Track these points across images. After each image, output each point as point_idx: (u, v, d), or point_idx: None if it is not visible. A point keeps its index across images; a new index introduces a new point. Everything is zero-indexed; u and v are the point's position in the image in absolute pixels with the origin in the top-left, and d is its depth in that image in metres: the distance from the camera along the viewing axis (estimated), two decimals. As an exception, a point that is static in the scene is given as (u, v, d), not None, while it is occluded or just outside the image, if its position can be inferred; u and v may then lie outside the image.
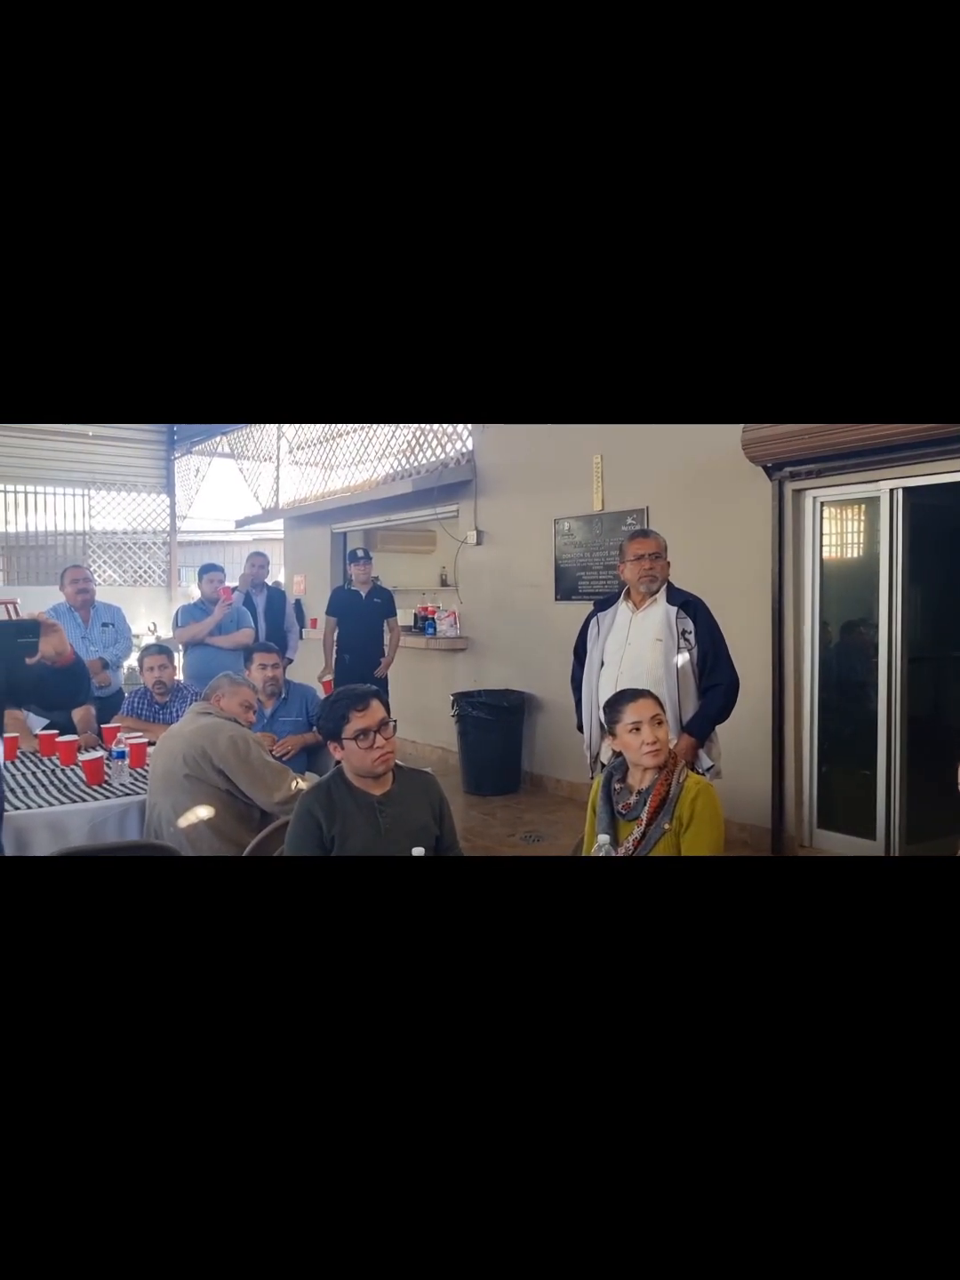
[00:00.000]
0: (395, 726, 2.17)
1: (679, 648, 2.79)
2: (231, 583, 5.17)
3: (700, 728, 2.79)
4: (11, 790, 2.81)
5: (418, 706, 6.18)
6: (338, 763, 2.17)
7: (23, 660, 1.78)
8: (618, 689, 2.44)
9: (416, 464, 6.62)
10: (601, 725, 2.79)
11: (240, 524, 9.63)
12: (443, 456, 6.36)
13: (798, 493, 3.99)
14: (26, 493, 10.91)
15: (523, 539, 5.53)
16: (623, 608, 2.92)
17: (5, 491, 10.83)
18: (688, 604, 2.83)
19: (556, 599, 5.29)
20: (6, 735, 2.17)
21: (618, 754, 2.28)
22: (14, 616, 1.97)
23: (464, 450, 6.09)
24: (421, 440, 6.58)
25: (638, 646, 2.84)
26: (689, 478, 4.42)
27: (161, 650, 3.85)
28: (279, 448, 8.84)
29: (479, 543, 5.89)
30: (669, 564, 2.90)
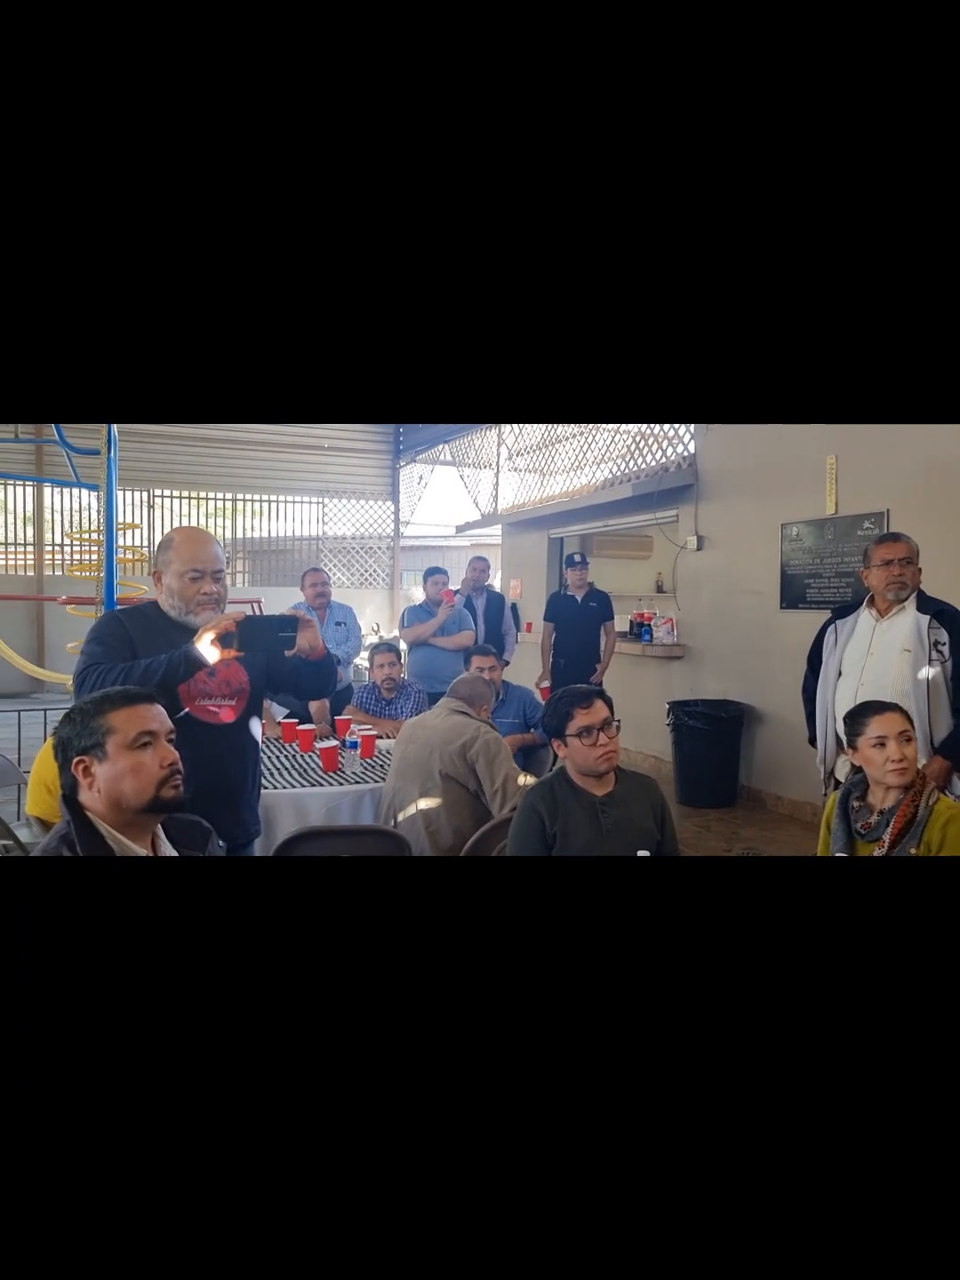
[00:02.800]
0: (619, 726, 2.16)
1: (930, 660, 2.57)
2: (454, 586, 5.35)
3: (954, 749, 2.56)
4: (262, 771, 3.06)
5: (632, 713, 6.09)
6: (556, 759, 2.19)
7: (282, 653, 1.93)
8: (857, 701, 2.29)
9: (636, 468, 6.56)
10: (838, 739, 2.63)
11: (460, 529, 9.96)
12: (663, 460, 6.26)
13: None
14: (267, 501, 11.88)
15: (746, 544, 5.32)
16: (865, 615, 2.73)
17: (249, 500, 11.86)
18: (943, 613, 2.60)
19: (782, 607, 5.05)
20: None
21: (857, 770, 2.14)
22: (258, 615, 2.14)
23: (686, 453, 5.96)
24: (641, 445, 6.51)
25: (881, 657, 2.65)
26: (933, 479, 4.07)
27: (391, 649, 4.05)
28: (498, 455, 9.07)
29: (699, 548, 5.74)
30: (920, 570, 2.68)
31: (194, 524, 11.37)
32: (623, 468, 6.76)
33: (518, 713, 3.79)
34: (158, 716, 1.42)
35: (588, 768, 2.11)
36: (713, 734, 5.14)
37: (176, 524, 11.50)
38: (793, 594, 4.99)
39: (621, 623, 6.10)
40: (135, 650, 1.88)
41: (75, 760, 1.36)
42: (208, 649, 1.79)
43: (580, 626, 5.32)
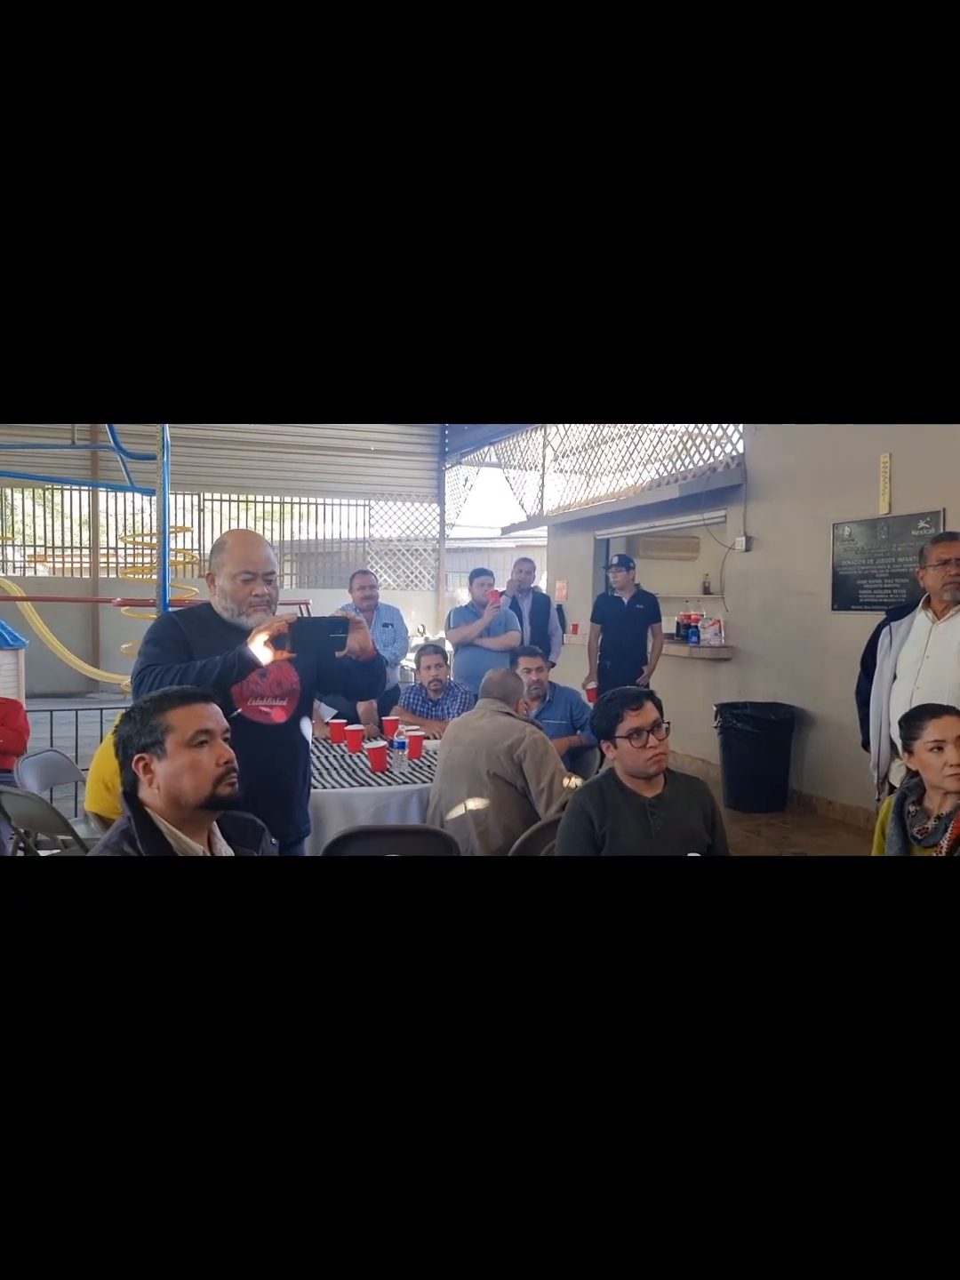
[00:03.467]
0: (669, 729, 2.15)
1: (989, 662, 2.51)
2: (499, 588, 5.36)
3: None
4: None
5: (679, 715, 6.01)
6: (602, 761, 2.19)
7: (333, 654, 1.96)
8: (913, 704, 2.25)
9: (683, 469, 6.50)
10: (892, 743, 2.58)
11: (505, 531, 9.98)
12: (711, 460, 6.20)
13: None
14: (315, 504, 12.02)
15: (796, 544, 5.25)
16: (921, 617, 2.68)
17: (297, 503, 12.01)
18: None
19: (834, 609, 4.97)
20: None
21: (914, 774, 2.10)
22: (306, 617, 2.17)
23: (734, 453, 5.90)
24: (689, 445, 6.46)
25: (938, 660, 2.59)
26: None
27: (437, 650, 4.07)
28: (544, 456, 9.06)
29: (748, 548, 5.67)
30: (979, 570, 2.62)
31: (244, 527, 11.54)
32: (670, 468, 6.71)
33: (564, 714, 3.79)
34: (214, 715, 1.45)
35: (637, 770, 2.10)
36: (762, 737, 5.07)
37: (226, 527, 11.69)
38: (845, 595, 4.91)
39: (668, 624, 6.05)
40: (190, 651, 1.92)
41: (136, 757, 1.39)
42: (261, 650, 1.82)
43: (627, 628, 5.29)
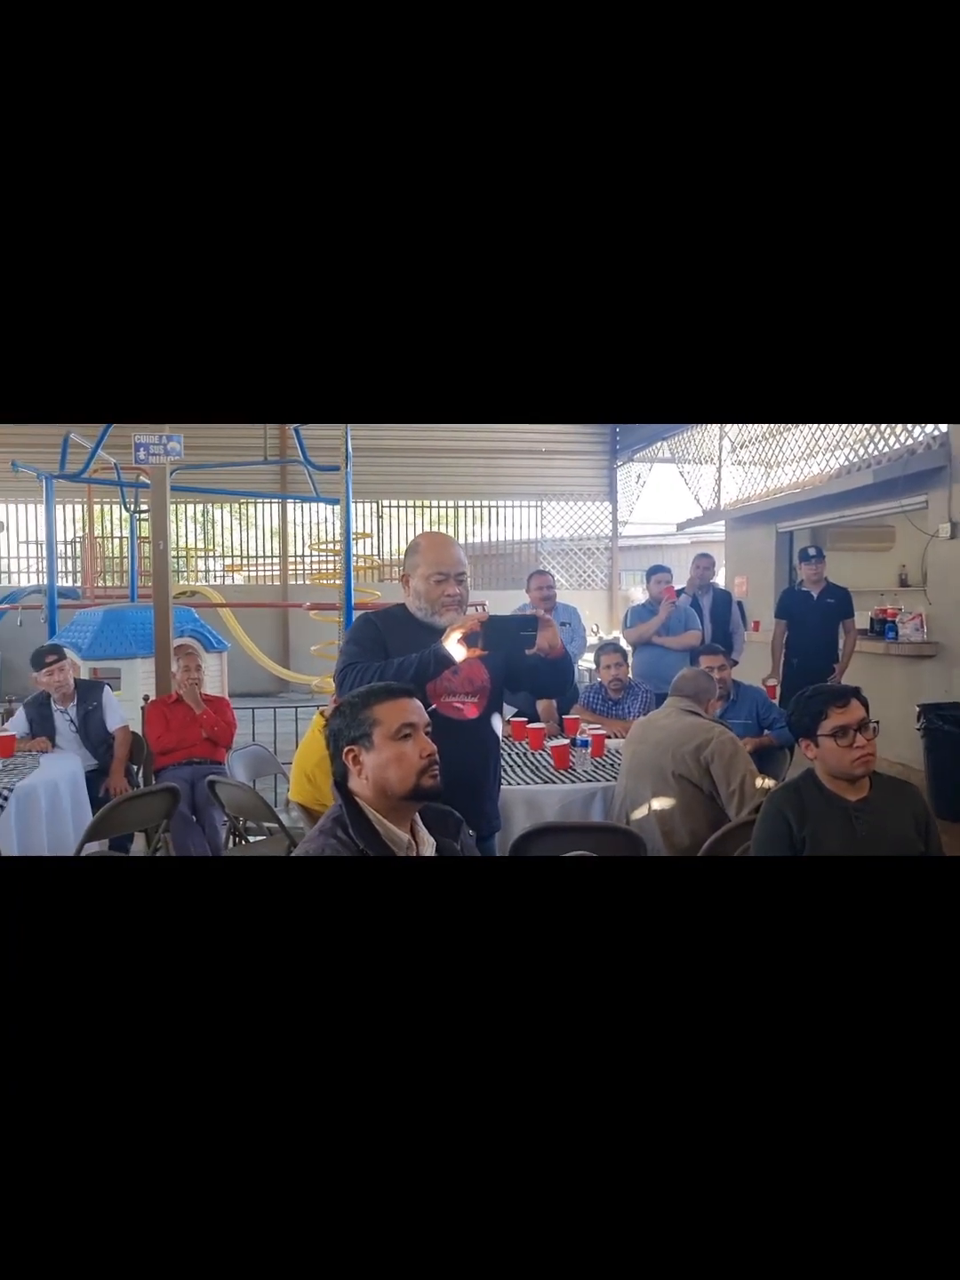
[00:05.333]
0: (878, 729, 2.02)
1: None
2: (679, 584, 5.25)
3: None
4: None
5: (874, 716, 5.69)
6: (790, 761, 2.09)
7: (523, 651, 1.98)
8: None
9: (876, 453, 6.11)
10: None
11: (681, 527, 9.75)
12: (909, 442, 5.79)
13: None
14: (487, 507, 12.22)
15: (1010, 530, 4.81)
16: None
17: (470, 506, 12.26)
18: None
19: (1055, 599, 4.52)
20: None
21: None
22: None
23: (936, 433, 5.48)
24: (881, 427, 6.07)
25: None
26: None
27: (617, 649, 4.04)
28: (721, 448, 8.78)
29: (954, 536, 5.26)
30: None
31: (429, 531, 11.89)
32: (861, 453, 6.32)
33: (750, 713, 3.65)
34: (417, 710, 1.50)
35: (842, 771, 1.99)
36: (972, 740, 4.69)
37: (403, 533, 12.11)
38: None
39: (861, 619, 5.71)
40: (387, 649, 2.00)
41: (346, 749, 1.46)
42: (455, 647, 1.87)
43: (816, 624, 5.03)
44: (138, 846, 3.44)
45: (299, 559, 11.86)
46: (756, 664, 5.53)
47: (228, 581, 11.66)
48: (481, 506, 12.26)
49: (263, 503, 11.62)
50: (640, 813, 2.74)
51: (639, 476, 11.59)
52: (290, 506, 11.62)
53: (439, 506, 12.22)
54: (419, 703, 1.53)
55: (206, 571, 11.95)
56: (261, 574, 11.94)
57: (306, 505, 11.37)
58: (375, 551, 11.88)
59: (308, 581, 11.33)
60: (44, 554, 7.90)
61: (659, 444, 10.49)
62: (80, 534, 11.07)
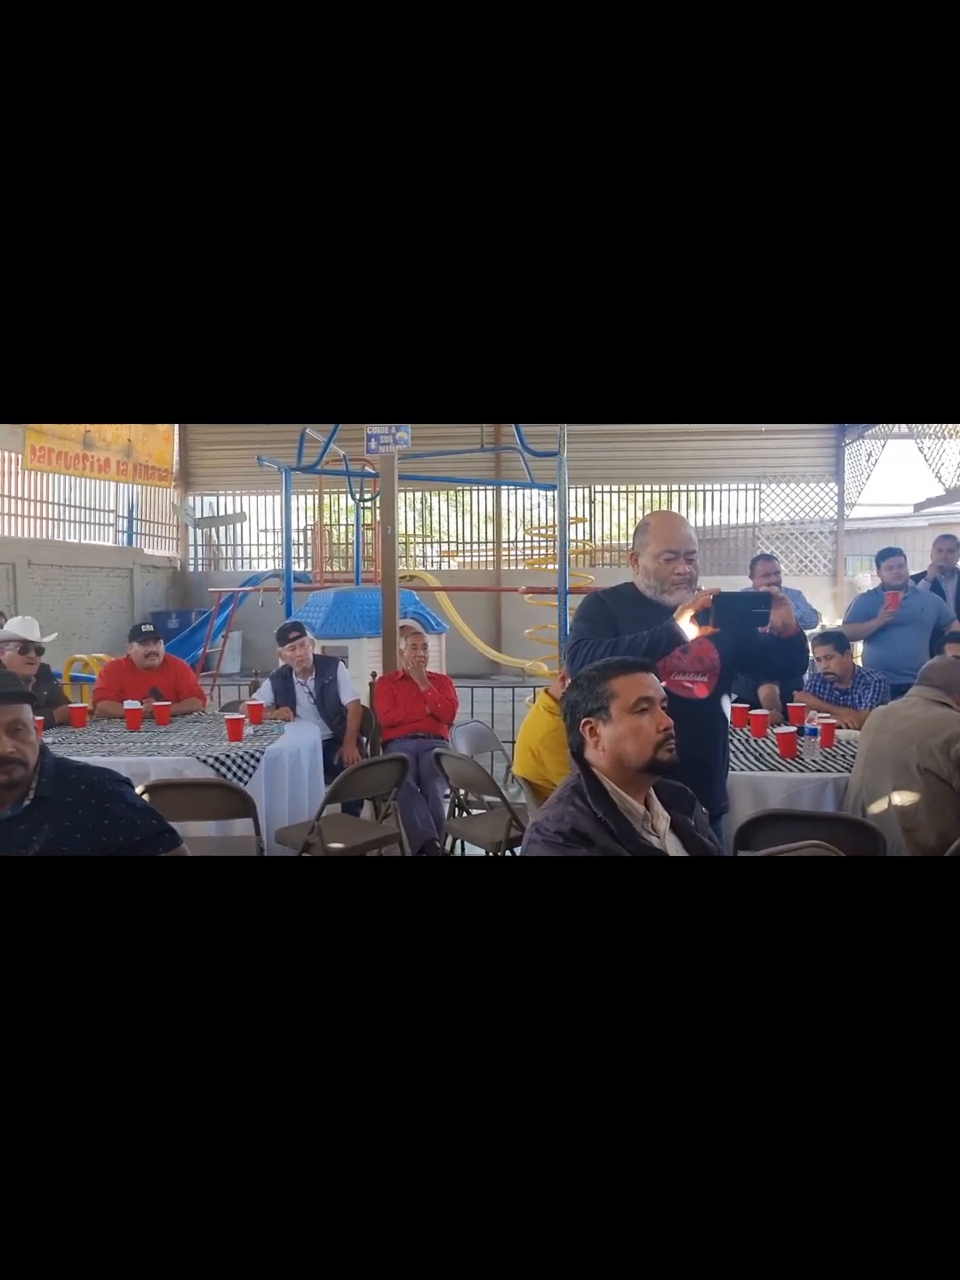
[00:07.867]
0: None
1: None
2: (916, 569, 4.89)
3: None
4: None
5: None
6: None
7: (755, 630, 1.93)
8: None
9: None
10: None
11: (919, 507, 9.03)
12: None
13: None
14: (701, 491, 11.89)
15: None
16: None
17: (684, 491, 11.97)
18: None
19: None
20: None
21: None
22: None
23: None
24: None
25: None
26: None
27: (830, 638, 3.84)
28: (968, 421, 8.02)
29: None
30: None
31: (650, 514, 11.78)
32: None
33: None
34: (653, 685, 1.51)
35: None
36: None
37: (616, 518, 12.04)
38: None
39: None
40: (617, 627, 2.02)
41: (583, 721, 1.50)
42: (686, 625, 1.86)
43: None
44: (366, 813, 3.68)
45: (511, 544, 12.10)
46: (1007, 656, 5.03)
47: (444, 566, 12.11)
48: (696, 490, 11.95)
49: (477, 490, 11.95)
50: (879, 806, 2.58)
51: (870, 454, 10.83)
52: (504, 493, 11.87)
53: (651, 491, 12.03)
54: (655, 678, 1.54)
55: (424, 557, 12.47)
56: (475, 560, 12.29)
57: (519, 492, 11.58)
58: (589, 537, 11.90)
59: (521, 566, 11.55)
60: (280, 542, 8.57)
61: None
62: (311, 522, 11.91)
